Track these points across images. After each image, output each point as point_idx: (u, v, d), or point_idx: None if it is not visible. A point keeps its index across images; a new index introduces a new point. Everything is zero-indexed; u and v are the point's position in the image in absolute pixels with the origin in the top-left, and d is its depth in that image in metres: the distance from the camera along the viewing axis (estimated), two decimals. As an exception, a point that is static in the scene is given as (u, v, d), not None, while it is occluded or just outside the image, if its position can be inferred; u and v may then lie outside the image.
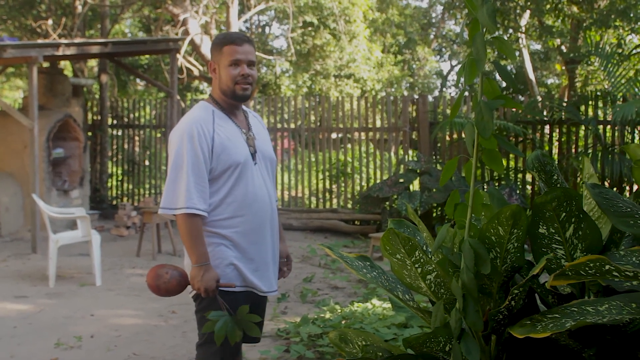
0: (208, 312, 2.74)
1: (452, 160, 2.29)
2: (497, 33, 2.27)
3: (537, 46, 21.67)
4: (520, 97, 12.63)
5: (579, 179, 9.91)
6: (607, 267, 1.77)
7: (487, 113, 2.20)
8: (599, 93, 10.06)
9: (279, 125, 11.66)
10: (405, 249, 2.18)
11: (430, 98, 11.17)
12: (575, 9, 10.98)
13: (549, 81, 25.22)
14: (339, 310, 5.90)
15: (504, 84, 21.14)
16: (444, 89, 28.78)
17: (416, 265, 2.21)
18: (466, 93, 25.33)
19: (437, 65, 28.54)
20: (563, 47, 12.83)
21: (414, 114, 11.05)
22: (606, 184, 9.86)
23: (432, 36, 27.69)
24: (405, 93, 24.64)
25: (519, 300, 2.13)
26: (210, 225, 2.87)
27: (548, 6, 10.73)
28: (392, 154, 11.26)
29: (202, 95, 23.50)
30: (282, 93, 20.10)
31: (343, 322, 5.57)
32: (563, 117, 10.00)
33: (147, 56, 18.27)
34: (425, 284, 2.26)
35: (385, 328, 5.29)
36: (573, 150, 10.25)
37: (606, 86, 11.14)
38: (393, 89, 24.25)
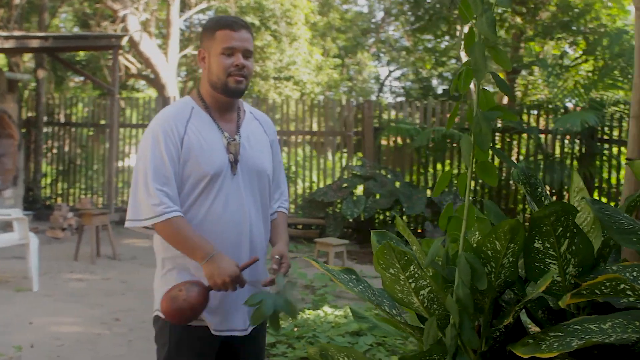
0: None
1: (446, 172, 2.23)
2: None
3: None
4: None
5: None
6: (622, 286, 1.73)
7: (485, 125, 2.14)
8: (547, 104, 10.26)
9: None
10: (400, 264, 2.10)
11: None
12: (519, 19, 11.18)
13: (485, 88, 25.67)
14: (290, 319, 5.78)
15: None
16: (381, 94, 29.03)
17: (410, 281, 2.13)
18: (402, 98, 25.52)
19: (375, 70, 28.75)
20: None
21: (350, 118, 11.06)
22: (547, 190, 10.04)
23: (371, 41, 27.85)
24: (344, 97, 24.71)
25: (516, 316, 2.08)
26: (164, 242, 2.49)
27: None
28: (330, 156, 11.25)
29: (137, 93, 23.04)
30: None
31: (295, 329, 5.46)
32: (500, 124, 10.13)
33: (83, 52, 17.78)
34: (418, 300, 2.18)
35: (340, 337, 5.21)
36: (515, 158, 10.41)
37: (544, 96, 11.40)
38: (332, 93, 24.32)
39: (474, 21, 2.20)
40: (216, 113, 2.56)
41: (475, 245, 2.24)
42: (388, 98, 28.90)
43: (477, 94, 2.20)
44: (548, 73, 9.70)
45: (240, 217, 2.51)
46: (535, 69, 11.45)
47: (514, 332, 2.27)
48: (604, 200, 9.76)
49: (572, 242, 2.16)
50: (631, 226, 2.01)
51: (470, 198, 2.19)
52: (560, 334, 1.96)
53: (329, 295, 6.67)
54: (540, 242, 2.17)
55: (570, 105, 10.17)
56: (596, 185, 9.78)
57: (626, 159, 4.66)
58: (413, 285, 2.14)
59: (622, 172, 9.66)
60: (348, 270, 2.46)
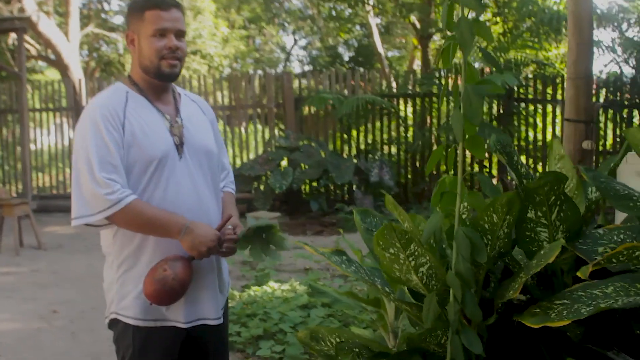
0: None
1: (439, 148, 2.22)
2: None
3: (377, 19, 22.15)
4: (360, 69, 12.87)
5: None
6: (637, 253, 1.78)
7: (475, 99, 2.14)
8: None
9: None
10: (400, 243, 2.08)
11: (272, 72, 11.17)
12: (429, -16, 11.29)
13: (390, 54, 25.95)
14: (238, 296, 5.72)
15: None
16: (288, 64, 28.87)
17: (410, 259, 2.12)
18: (309, 67, 25.32)
19: (281, 40, 28.55)
20: (416, 22, 13.11)
21: (270, 90, 10.97)
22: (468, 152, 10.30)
23: (275, 11, 27.57)
24: (251, 69, 24.46)
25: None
26: (117, 240, 2.38)
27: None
28: (248, 130, 11.19)
29: (38, 76, 22.10)
30: (126, 71, 19.29)
31: (245, 306, 5.41)
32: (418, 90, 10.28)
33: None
34: (417, 277, 2.17)
35: (292, 311, 5.20)
36: (429, 121, 10.58)
37: (456, 59, 11.57)
38: (239, 65, 24.05)
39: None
40: (152, 96, 2.43)
41: (466, 218, 2.26)
42: (295, 67, 28.84)
43: (464, 69, 2.20)
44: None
45: (196, 201, 2.41)
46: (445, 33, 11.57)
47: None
48: (523, 157, 10.09)
49: (560, 209, 2.21)
50: (627, 192, 2.06)
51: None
52: (566, 301, 1.99)
53: (271, 270, 6.63)
54: (533, 211, 2.20)
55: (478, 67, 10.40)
56: (515, 143, 10.09)
57: (565, 119, 4.84)
58: (413, 263, 2.13)
59: (539, 129, 10.04)
60: (338, 252, 2.43)
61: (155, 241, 2.34)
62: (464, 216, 2.39)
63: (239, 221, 2.59)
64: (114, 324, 2.42)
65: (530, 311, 2.02)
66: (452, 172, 2.21)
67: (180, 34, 2.38)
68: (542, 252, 2.05)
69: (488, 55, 2.21)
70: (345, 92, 10.56)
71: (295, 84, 11.02)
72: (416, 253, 2.12)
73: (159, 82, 2.42)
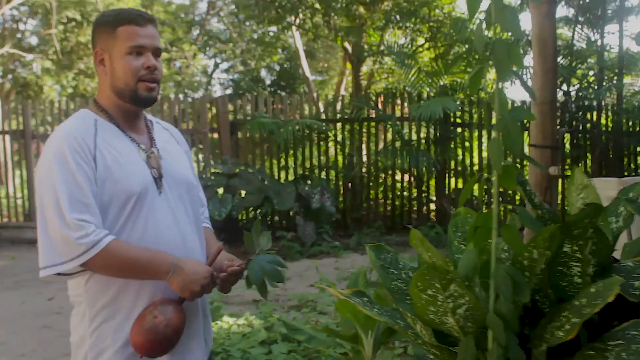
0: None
1: (472, 179, 2.08)
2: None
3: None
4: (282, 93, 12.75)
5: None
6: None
7: (513, 127, 2.02)
8: (403, 91, 10.47)
9: (41, 130, 10.94)
10: (441, 283, 1.92)
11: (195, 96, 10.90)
12: (362, 9, 11.29)
13: (312, 78, 25.98)
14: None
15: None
16: (209, 87, 28.50)
17: (449, 300, 1.97)
18: (230, 90, 25.04)
19: (203, 64, 28.20)
20: (347, 46, 13.10)
21: (204, 115, 10.70)
22: (406, 176, 10.34)
23: (196, 33, 27.25)
24: (172, 92, 24.03)
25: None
26: (90, 288, 2.10)
27: (339, 5, 10.92)
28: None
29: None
30: (44, 94, 18.58)
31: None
32: (361, 114, 10.23)
33: None
34: (453, 319, 2.02)
35: (253, 348, 4.96)
36: (365, 145, 10.52)
37: (390, 83, 11.63)
38: (161, 90, 23.55)
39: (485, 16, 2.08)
40: (124, 124, 2.19)
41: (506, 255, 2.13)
42: (217, 91, 28.48)
43: (497, 95, 2.07)
44: (400, 61, 9.90)
45: (179, 239, 2.17)
46: (378, 57, 11.66)
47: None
48: (460, 181, 10.17)
49: (594, 242, 2.11)
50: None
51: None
52: (620, 342, 1.88)
53: (221, 303, 6.34)
54: (569, 245, 2.10)
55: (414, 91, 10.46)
56: (452, 167, 10.17)
57: (530, 144, 4.81)
58: (452, 304, 1.98)
59: (475, 154, 10.15)
60: (360, 293, 2.26)
61: (137, 286, 2.08)
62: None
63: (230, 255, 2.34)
64: None
65: (584, 354, 1.90)
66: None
67: (157, 52, 2.16)
68: (592, 290, 1.93)
69: (526, 86, 2.09)
70: (282, 117, 10.38)
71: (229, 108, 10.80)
72: (455, 294, 1.97)
73: (133, 108, 2.18)
